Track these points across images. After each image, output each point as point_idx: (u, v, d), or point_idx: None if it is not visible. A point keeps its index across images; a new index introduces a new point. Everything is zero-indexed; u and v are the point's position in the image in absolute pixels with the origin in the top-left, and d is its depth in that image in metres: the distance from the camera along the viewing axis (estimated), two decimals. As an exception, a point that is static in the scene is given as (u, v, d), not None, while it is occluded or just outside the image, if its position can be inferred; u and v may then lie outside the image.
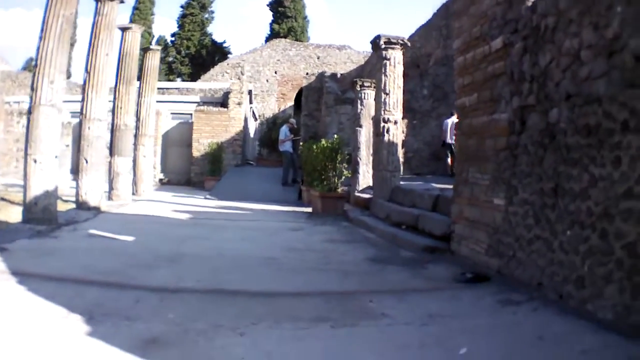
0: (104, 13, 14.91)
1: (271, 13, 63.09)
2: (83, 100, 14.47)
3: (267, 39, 58.45)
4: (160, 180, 29.53)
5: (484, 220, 7.50)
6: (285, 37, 55.67)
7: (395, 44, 14.93)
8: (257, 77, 46.52)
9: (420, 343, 4.52)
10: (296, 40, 55.20)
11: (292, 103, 47.69)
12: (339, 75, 37.19)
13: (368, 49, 46.17)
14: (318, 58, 48.04)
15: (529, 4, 6.63)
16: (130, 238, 10.19)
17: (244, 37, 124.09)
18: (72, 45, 55.85)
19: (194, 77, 56.41)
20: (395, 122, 14.85)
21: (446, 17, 29.27)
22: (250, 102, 34.99)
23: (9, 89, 33.56)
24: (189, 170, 30.02)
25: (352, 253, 9.51)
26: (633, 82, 4.44)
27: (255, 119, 41.39)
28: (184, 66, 63.13)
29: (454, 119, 21.90)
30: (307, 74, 45.54)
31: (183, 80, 59.66)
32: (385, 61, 14.88)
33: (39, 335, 4.35)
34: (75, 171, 14.86)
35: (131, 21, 61.20)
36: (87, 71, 14.58)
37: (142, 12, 63.03)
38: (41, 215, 10.79)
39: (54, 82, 11.03)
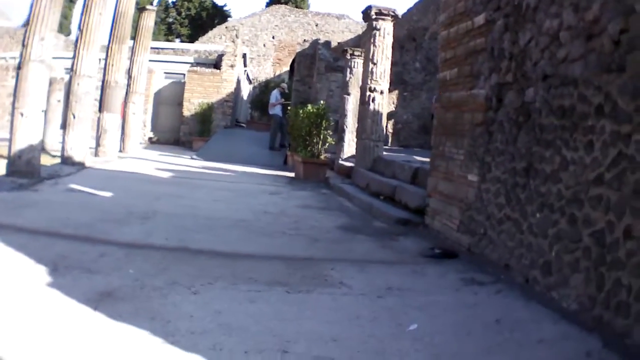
0: (99, -29, 14.80)
1: None
2: (74, 57, 14.44)
3: (268, 5, 57.94)
4: (150, 138, 29.58)
5: (457, 195, 7.53)
6: (285, 3, 55.18)
7: (386, 15, 14.91)
8: (254, 42, 46.38)
9: (373, 315, 4.55)
10: (296, 7, 54.55)
11: (287, 68, 47.50)
12: (334, 44, 37.13)
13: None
14: (316, 26, 47.85)
15: None
16: (108, 194, 10.31)
17: (245, 1, 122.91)
18: (72, 2, 55.54)
19: (192, 38, 55.89)
20: (382, 92, 14.91)
21: None
22: (245, 66, 34.93)
23: (7, 45, 33.56)
24: (179, 129, 29.93)
25: (325, 220, 9.57)
26: (610, 66, 4.42)
27: (250, 82, 41.35)
28: (184, 27, 62.53)
29: None
30: (304, 40, 45.58)
31: (181, 41, 59.28)
32: (375, 31, 14.90)
33: (1, 285, 4.46)
34: (64, 126, 14.83)
35: None
36: (79, 29, 14.58)
37: None
38: (24, 168, 10.81)
39: (45, 39, 11.04)
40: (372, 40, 14.92)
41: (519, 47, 6.16)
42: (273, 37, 47.69)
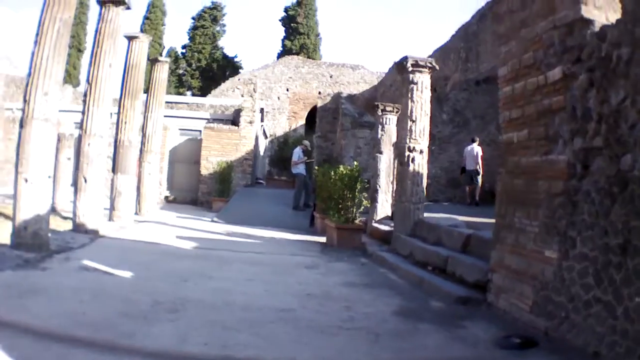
0: (108, 19, 13.96)
1: (283, 29, 62.66)
2: (83, 113, 13.56)
3: (279, 55, 58.46)
4: (166, 197, 28.68)
5: (530, 272, 6.79)
6: (297, 53, 55.52)
7: (423, 67, 13.94)
8: (268, 94, 45.97)
9: None
10: (308, 57, 54.82)
11: (303, 122, 47.28)
12: (354, 96, 36.54)
13: (382, 69, 45.97)
14: (331, 77, 47.64)
15: (596, 29, 5.78)
16: (126, 274, 9.13)
17: (256, 52, 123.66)
18: (81, 51, 55.35)
19: (204, 90, 56.23)
20: (421, 152, 13.87)
21: (465, 40, 28.94)
22: (262, 120, 34.32)
23: (13, 95, 32.58)
24: (197, 188, 29.06)
25: (377, 303, 8.40)
26: None
27: (266, 137, 40.74)
28: (194, 79, 62.65)
29: (475, 146, 21.79)
30: (319, 93, 45.60)
31: (193, 94, 59.80)
32: (412, 85, 13.89)
33: None
34: (75, 187, 13.75)
35: (142, 31, 60.81)
36: (88, 82, 13.65)
37: (152, 22, 62.45)
38: (31, 240, 9.82)
39: (49, 94, 10.06)
40: (409, 95, 13.88)
41: (610, 107, 5.41)
42: (287, 90, 47.51)
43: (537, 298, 6.54)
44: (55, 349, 4.99)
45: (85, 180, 13.26)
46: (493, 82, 24.28)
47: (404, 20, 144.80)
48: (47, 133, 10.10)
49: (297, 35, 60.59)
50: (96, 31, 13.93)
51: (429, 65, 13.99)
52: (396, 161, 17.05)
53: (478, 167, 21.93)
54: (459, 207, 20.67)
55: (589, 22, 5.90)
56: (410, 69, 13.86)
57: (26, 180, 9.79)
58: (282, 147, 37.57)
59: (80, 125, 13.57)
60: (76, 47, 53.82)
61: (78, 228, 13.12)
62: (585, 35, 5.90)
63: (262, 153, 37.42)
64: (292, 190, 26.34)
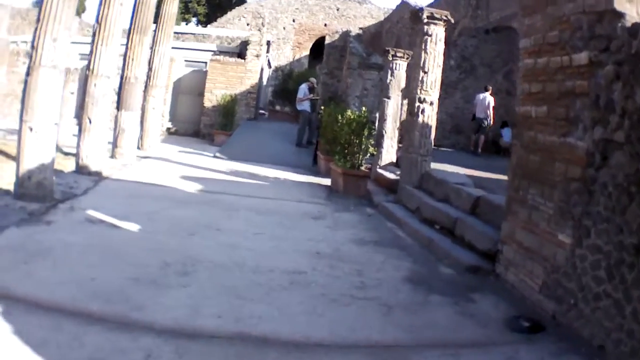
0: (118, -45, 13.39)
1: None
2: (91, 53, 13.16)
3: None
4: (168, 129, 28.31)
5: (542, 252, 6.70)
6: None
7: (438, 19, 13.66)
8: (274, 24, 45.67)
9: None
10: None
11: (307, 52, 47.07)
12: (356, 29, 36.30)
13: (389, 5, 45.61)
14: (337, 10, 47.54)
15: (628, 24, 5.61)
16: (133, 226, 8.98)
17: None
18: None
19: (209, 17, 55.70)
20: (432, 103, 13.67)
21: None
22: (267, 52, 33.92)
23: (18, 27, 32.01)
24: (199, 120, 28.71)
25: (387, 267, 8.31)
26: None
27: (270, 67, 40.37)
28: (200, 6, 61.67)
29: (487, 95, 21.64)
30: (325, 24, 45.75)
31: (198, 21, 59.36)
32: (426, 37, 13.61)
33: None
34: (79, 123, 13.62)
35: None
36: (97, 22, 13.20)
37: None
38: (35, 191, 9.61)
39: (58, 40, 9.67)
40: (423, 47, 13.61)
41: (635, 104, 5.27)
42: (293, 20, 47.31)
43: (547, 279, 6.48)
44: (69, 328, 4.88)
45: (90, 121, 13.01)
46: (502, 31, 24.16)
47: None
48: (55, 80, 9.78)
49: None
50: (106, -32, 13.41)
51: (444, 18, 13.73)
52: (403, 108, 16.94)
53: (488, 116, 21.83)
54: (462, 155, 20.62)
55: (620, 15, 5.70)
56: (425, 20, 13.58)
57: (31, 129, 9.53)
58: (286, 80, 37.31)
59: (88, 65, 13.21)
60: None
61: (81, 169, 12.95)
62: (615, 27, 5.72)
63: (265, 83, 37.03)
64: (295, 124, 26.37)
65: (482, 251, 8.48)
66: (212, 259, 7.63)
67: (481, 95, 22.01)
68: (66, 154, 14.54)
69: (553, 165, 6.65)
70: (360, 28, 39.49)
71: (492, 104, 21.79)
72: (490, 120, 21.87)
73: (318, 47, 44.62)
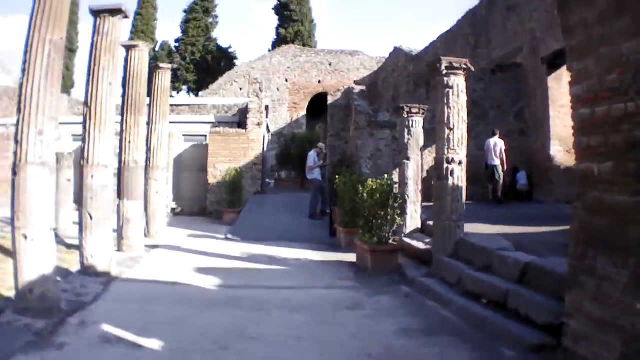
0: (104, 32, 12.55)
1: (277, 17, 62.30)
2: (84, 140, 12.26)
3: (274, 44, 59.00)
4: (173, 210, 27.37)
5: (617, 323, 5.89)
6: (292, 41, 55.61)
7: (458, 68, 12.75)
8: (267, 86, 45.33)
9: None
10: (303, 45, 55.19)
11: (304, 112, 46.78)
12: (350, 82, 35.77)
13: (380, 54, 46.14)
14: (330, 64, 47.77)
15: None
16: (156, 344, 7.81)
17: (250, 42, 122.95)
18: (72, 51, 54.82)
19: (199, 84, 56.45)
20: (460, 163, 12.74)
21: (473, 26, 28.34)
22: (267, 117, 33.29)
23: (7, 108, 31.09)
24: (205, 197, 27.93)
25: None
26: None
27: (269, 132, 39.72)
28: (189, 73, 62.27)
29: (496, 139, 21.16)
30: (319, 81, 46.30)
31: (189, 88, 60.42)
32: (447, 89, 12.67)
33: None
34: (78, 210, 12.66)
35: (133, 27, 60.32)
36: (86, 105, 12.28)
37: (144, 18, 62.15)
38: (38, 304, 8.46)
39: (44, 133, 8.70)
40: (445, 101, 12.67)
41: None
42: (286, 80, 47.44)
43: (626, 350, 5.69)
44: None
45: (91, 217, 12.00)
46: (509, 69, 23.41)
47: (400, 3, 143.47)
48: (45, 179, 8.77)
49: (291, 22, 60.34)
50: (92, 45, 12.54)
51: (464, 66, 12.81)
52: (424, 167, 16.07)
53: (501, 161, 21.25)
54: (483, 206, 19.80)
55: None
56: (444, 71, 12.66)
57: (26, 237, 8.46)
58: (289, 145, 36.59)
59: (82, 154, 12.27)
60: (67, 47, 53.05)
61: (87, 270, 11.86)
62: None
63: (265, 149, 36.15)
64: (303, 192, 25.91)
65: (542, 325, 7.67)
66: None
67: (491, 141, 21.50)
68: (69, 246, 13.66)
69: (625, 228, 5.77)
70: (356, 81, 39.04)
71: (502, 147, 21.25)
72: (504, 165, 21.32)
73: (314, 105, 44.56)
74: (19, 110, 8.80)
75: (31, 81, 8.67)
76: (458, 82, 12.73)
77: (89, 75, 12.39)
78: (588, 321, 6.33)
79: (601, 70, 6.18)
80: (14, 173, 8.63)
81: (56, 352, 7.20)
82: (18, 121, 8.75)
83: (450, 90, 12.63)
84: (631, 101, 5.66)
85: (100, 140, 12.11)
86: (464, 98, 12.86)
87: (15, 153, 8.72)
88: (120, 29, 12.92)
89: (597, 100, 6.28)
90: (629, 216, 5.69)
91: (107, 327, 8.39)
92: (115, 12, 12.72)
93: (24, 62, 8.83)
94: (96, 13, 12.71)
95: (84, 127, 12.33)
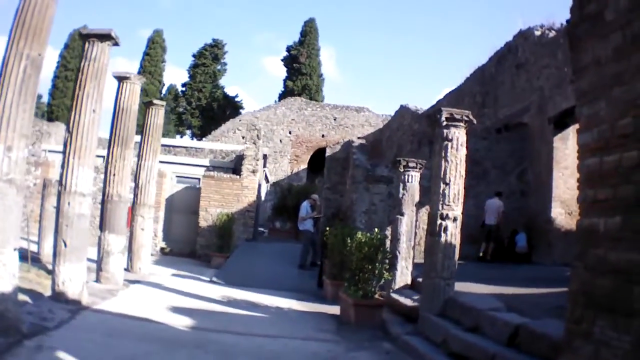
0: (91, 57, 12.33)
1: (285, 69, 62.69)
2: (63, 167, 12.01)
3: (281, 96, 59.06)
4: (162, 249, 27.31)
5: None
6: (299, 94, 55.80)
7: (458, 120, 12.25)
8: (270, 137, 45.40)
9: None
10: (310, 99, 55.35)
11: (305, 165, 46.63)
12: (353, 138, 35.46)
13: (386, 111, 46.41)
14: (335, 119, 47.68)
15: None
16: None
17: (257, 92, 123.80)
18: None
19: (204, 130, 56.30)
20: (455, 219, 12.16)
21: (482, 83, 28.24)
22: (264, 166, 33.12)
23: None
24: (195, 240, 27.69)
25: None
26: None
27: (267, 182, 39.47)
28: (194, 118, 62.52)
29: (496, 200, 21.28)
30: (323, 135, 46.12)
31: (193, 133, 60.56)
32: (446, 142, 12.19)
33: None
34: (54, 253, 12.17)
35: (141, 67, 60.45)
36: (68, 131, 12.06)
37: (152, 58, 62.31)
38: (-3, 324, 8.09)
39: (13, 150, 8.41)
40: (442, 154, 12.19)
41: None
42: (290, 132, 47.44)
43: None
44: None
45: (65, 245, 11.65)
46: (514, 129, 23.09)
47: (408, 61, 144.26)
48: (12, 197, 8.43)
49: (300, 75, 60.75)
50: (78, 70, 12.35)
51: (466, 118, 12.31)
52: (418, 223, 15.67)
53: (499, 222, 21.39)
54: (478, 267, 19.36)
55: None
56: (444, 122, 12.19)
57: (-11, 257, 8.06)
58: (285, 195, 36.45)
59: (60, 181, 12.05)
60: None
61: (58, 297, 11.52)
62: None
63: (263, 199, 36.42)
64: (296, 243, 25.23)
65: None
66: None
67: (491, 201, 21.65)
68: (50, 272, 13.12)
69: (631, 289, 5.21)
70: (359, 137, 38.85)
71: (502, 209, 21.43)
72: (500, 226, 21.43)
73: (316, 159, 44.43)
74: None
75: (4, 96, 8.43)
76: (458, 135, 12.27)
77: (73, 100, 12.22)
78: (582, 391, 5.81)
79: (614, 114, 5.68)
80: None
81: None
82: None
83: (449, 143, 12.15)
84: (646, 150, 5.19)
85: (79, 168, 11.85)
86: (463, 152, 12.40)
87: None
88: (109, 55, 12.73)
89: (608, 149, 5.76)
90: (637, 276, 5.17)
91: (62, 355, 8.06)
92: (105, 37, 12.53)
93: None
94: (84, 37, 12.54)
95: (64, 153, 12.14)
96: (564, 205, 20.13)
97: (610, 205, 5.61)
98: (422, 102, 75.10)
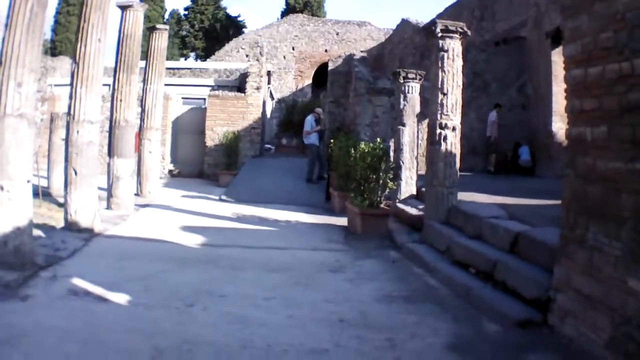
0: (95, -13, 12.19)
1: None
2: (70, 97, 12.03)
3: (283, 14, 58.71)
4: (170, 171, 27.49)
5: (608, 301, 5.63)
6: (301, 11, 55.46)
7: (453, 32, 12.32)
8: (273, 54, 45.16)
9: None
10: (312, 14, 54.49)
11: (309, 81, 46.51)
12: (357, 52, 35.34)
13: (389, 25, 46.03)
14: (337, 34, 47.55)
15: None
16: (123, 298, 7.63)
17: (259, 11, 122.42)
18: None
19: (208, 51, 56.05)
20: (454, 129, 12.36)
21: None
22: (269, 83, 33.04)
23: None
24: (202, 160, 27.92)
25: (423, 330, 6.97)
26: None
27: (273, 99, 39.46)
28: (198, 40, 62.17)
29: (494, 113, 21.81)
30: (326, 50, 45.99)
31: (197, 55, 60.25)
32: (442, 53, 12.29)
33: None
34: (65, 180, 12.35)
35: None
36: (75, 62, 12.04)
37: None
38: (12, 258, 8.29)
39: (23, 85, 8.50)
40: (439, 64, 12.30)
41: None
42: (293, 49, 47.03)
43: (615, 333, 5.40)
44: None
45: (76, 173, 11.82)
46: (512, 42, 23.14)
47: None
48: (23, 131, 8.57)
49: None
50: (82, 3, 12.25)
51: (460, 30, 12.39)
52: (420, 134, 15.82)
53: (490, 133, 21.85)
54: (483, 178, 19.73)
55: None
56: (439, 34, 12.26)
57: (2, 189, 8.31)
58: (290, 111, 36.52)
59: (68, 111, 12.13)
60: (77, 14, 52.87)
61: (71, 226, 11.69)
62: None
63: (269, 116, 36.42)
64: (303, 158, 25.36)
65: (530, 299, 7.29)
66: (214, 340, 6.29)
67: (492, 114, 21.95)
68: (60, 205, 13.49)
69: (619, 197, 5.48)
70: (362, 51, 38.77)
71: (492, 119, 21.78)
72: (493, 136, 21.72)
73: (320, 74, 44.23)
74: (0, 62, 8.62)
75: (12, 35, 8.53)
76: (454, 46, 12.35)
77: (78, 32, 12.21)
78: (576, 297, 6.12)
79: (595, 28, 5.91)
80: (-7, 124, 8.45)
81: (19, 303, 7.06)
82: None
83: (445, 54, 12.26)
84: (626, 61, 5.38)
85: (87, 97, 11.91)
86: (459, 62, 12.45)
87: (-7, 106, 8.53)
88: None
89: (590, 60, 6.02)
90: (623, 184, 5.45)
91: (77, 281, 8.24)
92: (107, -33, 12.44)
93: (7, 17, 8.67)
94: (87, -32, 12.43)
95: (71, 84, 12.14)
96: (565, 119, 20.08)
97: (596, 116, 5.91)
98: (424, 16, 74.25)
